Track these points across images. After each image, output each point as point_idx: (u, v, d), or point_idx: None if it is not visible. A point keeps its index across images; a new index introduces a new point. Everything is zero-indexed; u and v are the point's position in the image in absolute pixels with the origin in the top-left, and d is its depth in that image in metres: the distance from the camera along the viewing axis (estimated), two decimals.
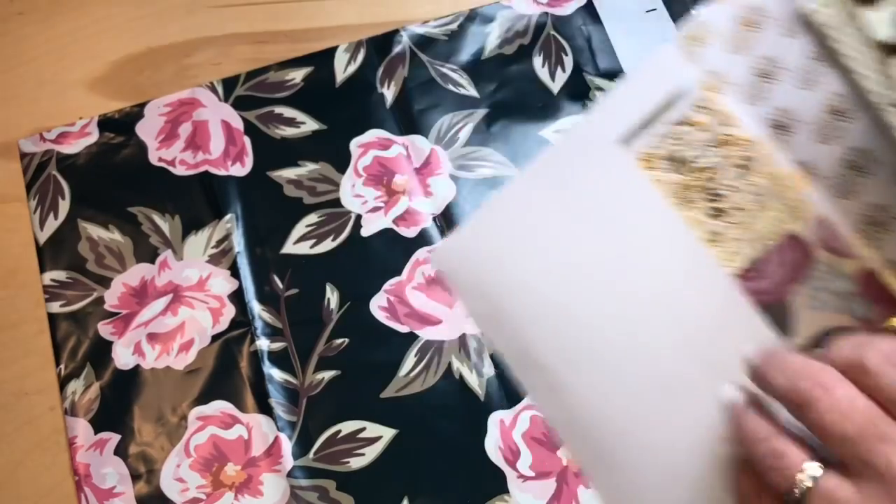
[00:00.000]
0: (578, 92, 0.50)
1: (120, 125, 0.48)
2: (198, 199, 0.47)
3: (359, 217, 0.47)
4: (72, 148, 0.48)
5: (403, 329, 0.44)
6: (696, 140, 0.37)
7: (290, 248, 0.46)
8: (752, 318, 0.35)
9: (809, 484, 0.27)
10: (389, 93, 0.50)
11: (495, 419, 0.43)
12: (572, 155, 0.39)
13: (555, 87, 0.50)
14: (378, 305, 0.45)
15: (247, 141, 0.48)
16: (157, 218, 0.46)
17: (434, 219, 0.47)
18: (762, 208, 0.36)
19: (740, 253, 0.36)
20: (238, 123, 0.49)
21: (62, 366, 0.43)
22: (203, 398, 0.43)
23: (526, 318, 0.38)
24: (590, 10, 0.52)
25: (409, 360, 0.44)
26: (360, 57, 0.50)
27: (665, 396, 0.35)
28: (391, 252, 0.46)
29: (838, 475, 0.26)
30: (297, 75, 0.50)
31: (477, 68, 0.50)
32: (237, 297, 0.45)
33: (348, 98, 0.49)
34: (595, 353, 0.35)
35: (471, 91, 0.50)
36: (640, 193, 0.37)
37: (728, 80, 0.37)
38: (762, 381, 0.30)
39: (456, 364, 0.44)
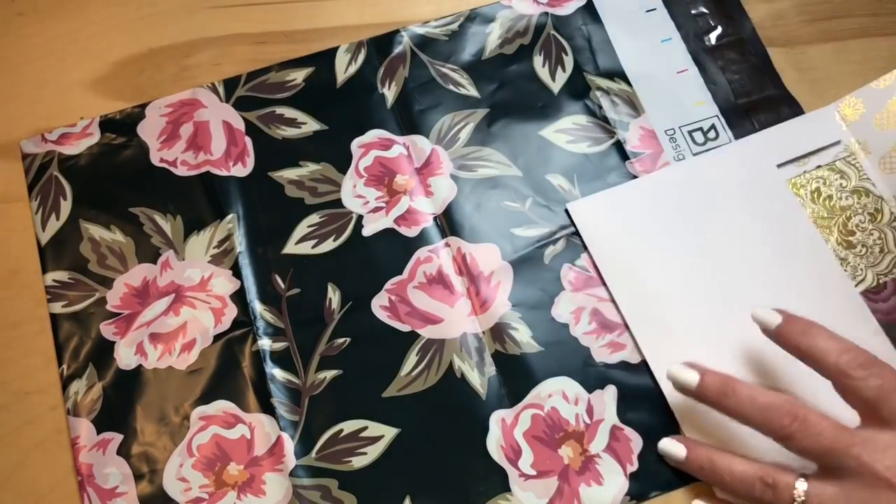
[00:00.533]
0: (579, 92, 0.50)
1: (121, 126, 0.48)
2: (199, 200, 0.47)
3: (360, 217, 0.47)
4: (73, 149, 0.48)
5: (405, 328, 0.45)
6: (838, 184, 0.45)
7: (291, 248, 0.46)
8: (877, 332, 0.42)
9: (803, 497, 0.34)
10: (390, 93, 0.50)
11: (497, 418, 0.43)
12: (732, 161, 0.46)
13: (555, 86, 0.50)
14: (379, 305, 0.45)
15: (248, 141, 0.48)
16: (158, 218, 0.46)
17: (435, 219, 0.47)
18: (883, 251, 0.44)
19: (864, 278, 0.44)
20: (239, 124, 0.49)
21: (64, 366, 0.43)
22: (205, 398, 0.43)
23: (652, 284, 0.44)
24: (590, 10, 0.52)
25: (411, 359, 0.44)
26: (361, 57, 0.51)
27: (767, 380, 0.41)
28: (392, 251, 0.46)
29: (821, 480, 0.34)
30: (298, 76, 0.50)
31: (477, 68, 0.51)
32: (239, 297, 0.45)
33: (349, 98, 0.50)
34: (711, 341, 0.41)
35: (471, 91, 0.50)
36: (789, 209, 0.45)
37: (870, 148, 0.45)
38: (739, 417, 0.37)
39: (457, 363, 0.44)
